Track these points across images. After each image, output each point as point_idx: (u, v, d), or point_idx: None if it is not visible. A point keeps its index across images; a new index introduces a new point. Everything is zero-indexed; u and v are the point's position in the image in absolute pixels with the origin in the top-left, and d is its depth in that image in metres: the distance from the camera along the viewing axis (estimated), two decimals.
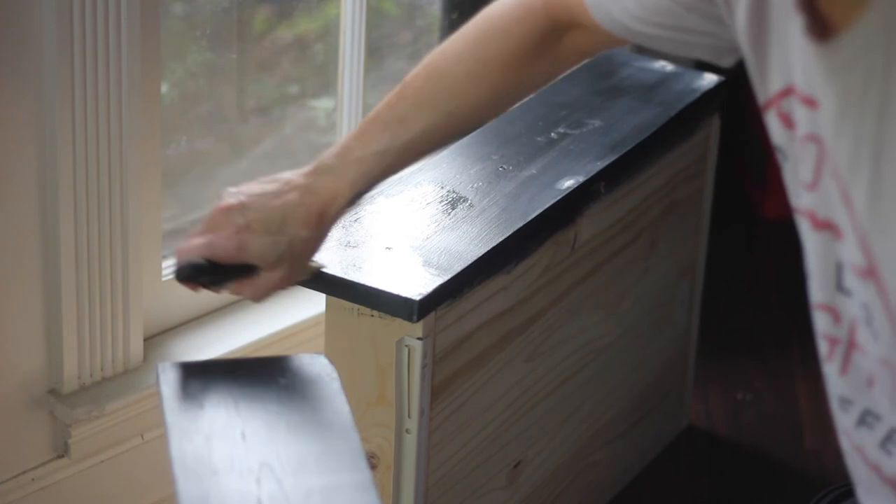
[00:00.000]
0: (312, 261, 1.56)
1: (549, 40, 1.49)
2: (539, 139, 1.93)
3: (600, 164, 1.88)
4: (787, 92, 1.07)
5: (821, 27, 0.98)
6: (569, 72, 2.19)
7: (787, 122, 1.08)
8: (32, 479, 1.86)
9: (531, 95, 1.56)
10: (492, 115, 1.59)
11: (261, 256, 1.46)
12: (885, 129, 0.94)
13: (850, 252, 1.02)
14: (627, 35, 1.38)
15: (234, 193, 1.47)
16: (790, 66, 1.05)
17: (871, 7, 0.93)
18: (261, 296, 1.50)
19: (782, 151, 1.10)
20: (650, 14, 1.31)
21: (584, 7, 1.39)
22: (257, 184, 1.49)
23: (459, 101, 1.51)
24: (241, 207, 1.45)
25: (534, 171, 1.85)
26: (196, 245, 1.46)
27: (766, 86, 1.10)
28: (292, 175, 1.49)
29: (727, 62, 1.30)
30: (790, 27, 1.04)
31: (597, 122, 1.98)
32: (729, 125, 2.28)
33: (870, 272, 0.99)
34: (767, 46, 1.10)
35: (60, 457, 1.88)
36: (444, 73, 1.51)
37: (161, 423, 1.21)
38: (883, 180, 0.95)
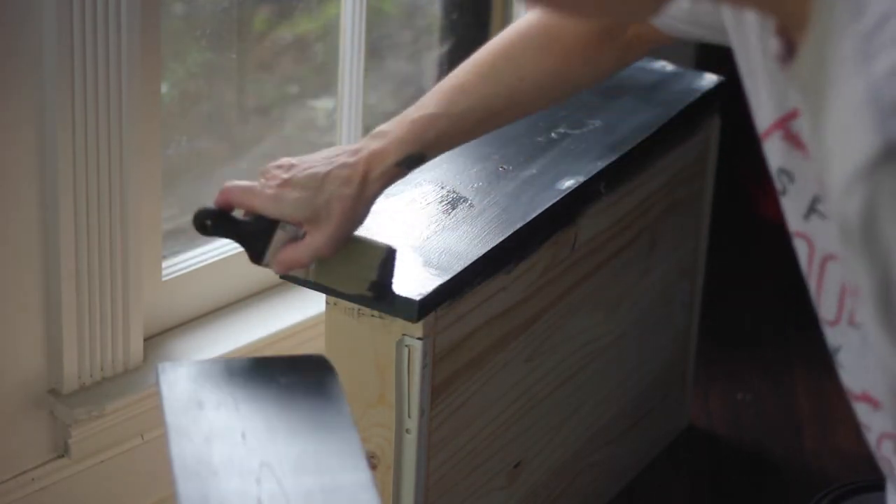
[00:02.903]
0: (379, 241, 1.53)
1: (616, 28, 1.48)
2: (539, 139, 1.93)
3: (600, 164, 1.88)
4: (794, 114, 1.06)
5: (785, 49, 0.98)
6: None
7: (797, 142, 1.08)
8: (32, 479, 1.86)
9: (597, 83, 1.54)
10: (555, 96, 1.55)
11: (295, 210, 1.45)
12: (824, 154, 0.92)
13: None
14: (670, 31, 1.39)
15: (288, 159, 1.48)
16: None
17: (810, 25, 0.92)
18: (304, 259, 1.47)
19: (788, 174, 1.09)
20: (684, 13, 1.33)
21: None
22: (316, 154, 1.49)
23: (523, 74, 1.48)
24: (289, 165, 1.46)
25: (534, 171, 1.85)
26: (236, 188, 1.47)
27: (766, 112, 1.10)
28: (349, 145, 1.49)
29: None
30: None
31: (597, 122, 1.98)
32: (729, 125, 2.28)
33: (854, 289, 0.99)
34: (757, 73, 1.10)
35: (60, 457, 1.88)
36: (512, 44, 1.49)
37: (161, 423, 1.21)
38: (829, 204, 0.94)
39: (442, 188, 1.80)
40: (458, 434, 1.73)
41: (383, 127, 1.49)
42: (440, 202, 1.77)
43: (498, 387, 1.79)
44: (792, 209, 1.10)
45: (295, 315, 2.10)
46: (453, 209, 1.75)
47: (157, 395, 1.26)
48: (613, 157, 1.90)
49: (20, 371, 1.82)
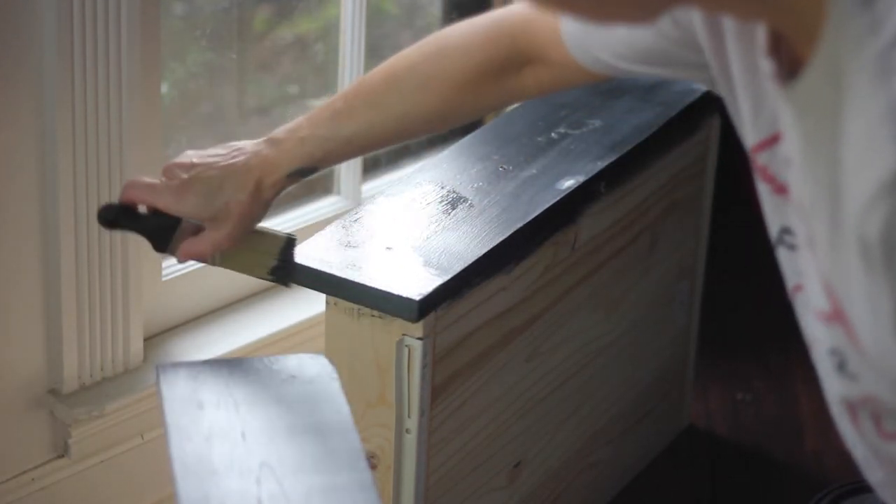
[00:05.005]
0: (279, 231, 1.61)
1: (508, 69, 1.50)
2: (539, 139, 1.93)
3: (600, 164, 1.88)
4: (775, 139, 1.06)
5: (786, 70, 0.97)
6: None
7: (764, 175, 1.08)
8: (32, 479, 1.86)
9: (481, 115, 1.61)
10: (440, 128, 1.62)
11: (196, 210, 1.52)
12: (838, 172, 0.91)
13: (815, 297, 1.01)
14: (607, 71, 1.38)
15: (189, 154, 1.55)
16: (773, 114, 1.04)
17: (822, 41, 0.90)
18: (205, 252, 1.55)
19: (766, 194, 1.10)
20: (638, 53, 1.30)
21: (560, 42, 1.39)
22: (214, 148, 1.57)
23: (408, 109, 1.54)
24: (189, 165, 1.54)
25: (534, 171, 1.85)
26: (139, 184, 1.54)
27: (749, 132, 1.10)
28: (245, 143, 1.56)
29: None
30: (757, 78, 1.04)
31: (597, 122, 1.98)
32: (729, 125, 2.28)
33: (836, 316, 0.98)
34: (738, 92, 1.10)
35: (60, 457, 1.88)
36: (398, 78, 1.55)
37: (161, 423, 1.21)
38: (839, 224, 0.93)
39: (442, 188, 1.80)
40: (458, 434, 1.73)
41: (277, 134, 1.56)
42: (440, 202, 1.77)
43: (498, 387, 1.79)
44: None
45: (295, 315, 2.10)
46: (453, 209, 1.75)
47: (157, 395, 1.26)
48: (613, 157, 1.90)
49: (20, 371, 1.82)
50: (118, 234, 1.83)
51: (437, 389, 1.67)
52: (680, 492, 2.27)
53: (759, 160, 1.09)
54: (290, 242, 1.60)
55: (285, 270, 1.61)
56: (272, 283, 2.12)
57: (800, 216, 1.02)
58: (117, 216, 1.56)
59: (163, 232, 1.56)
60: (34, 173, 1.75)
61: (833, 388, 1.04)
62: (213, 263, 1.60)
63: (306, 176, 1.58)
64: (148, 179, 1.56)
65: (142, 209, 1.56)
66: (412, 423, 1.63)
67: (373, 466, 1.65)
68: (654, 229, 2.11)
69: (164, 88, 1.98)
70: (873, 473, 1.09)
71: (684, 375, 2.35)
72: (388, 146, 1.68)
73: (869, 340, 0.93)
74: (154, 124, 1.88)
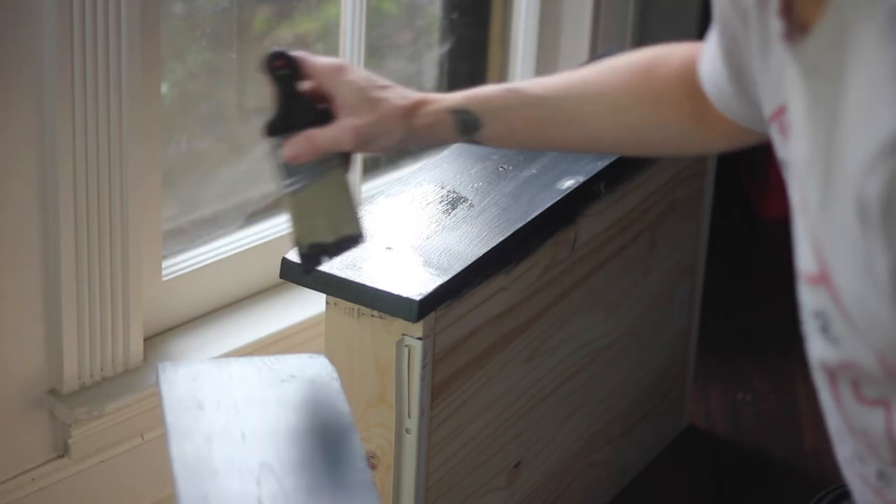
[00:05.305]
0: (362, 223, 1.49)
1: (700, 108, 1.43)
2: None
3: (600, 164, 1.88)
4: (783, 110, 1.06)
5: (795, 28, 0.97)
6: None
7: (785, 133, 1.08)
8: (32, 479, 1.86)
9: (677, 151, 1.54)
10: (622, 147, 1.52)
11: (347, 91, 1.42)
12: (836, 131, 0.92)
13: (804, 260, 1.01)
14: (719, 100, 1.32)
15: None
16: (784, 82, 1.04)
17: (829, 1, 0.91)
18: (320, 142, 1.43)
19: (785, 164, 1.09)
20: (721, 53, 1.25)
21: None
22: None
23: (610, 97, 1.45)
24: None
25: (534, 171, 1.85)
26: (308, 59, 1.45)
27: (767, 102, 1.10)
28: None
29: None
30: (773, 43, 1.04)
31: None
32: None
33: (822, 278, 0.98)
34: (755, 63, 1.09)
35: (60, 457, 1.88)
36: (610, 68, 1.46)
37: (161, 423, 1.21)
38: (832, 184, 0.93)
39: (442, 188, 1.80)
40: (458, 434, 1.73)
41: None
42: (440, 202, 1.77)
43: (498, 387, 1.79)
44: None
45: (295, 315, 2.10)
46: (453, 209, 1.75)
47: (157, 395, 1.26)
48: (613, 157, 1.90)
49: (20, 371, 1.82)
50: (117, 234, 1.83)
51: (437, 389, 1.67)
52: (680, 492, 2.27)
53: (772, 132, 1.09)
54: (355, 238, 1.48)
55: (321, 254, 1.48)
56: (272, 284, 2.14)
57: (795, 180, 1.02)
58: (284, 66, 1.44)
59: (297, 115, 1.44)
60: (34, 174, 1.75)
61: (815, 352, 1.04)
62: (284, 191, 1.47)
63: (469, 128, 1.45)
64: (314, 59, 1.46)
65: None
66: (412, 423, 1.63)
67: (373, 466, 1.65)
68: (654, 229, 2.11)
69: (164, 88, 1.98)
70: (844, 447, 1.09)
71: (684, 375, 2.35)
72: (568, 137, 1.50)
73: (853, 302, 0.93)
74: (154, 124, 1.88)
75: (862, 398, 1.02)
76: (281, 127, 1.45)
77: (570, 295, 1.91)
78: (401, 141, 1.46)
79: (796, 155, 1.00)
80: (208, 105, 2.17)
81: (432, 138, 1.48)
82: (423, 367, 1.62)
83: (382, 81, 1.46)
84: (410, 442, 1.64)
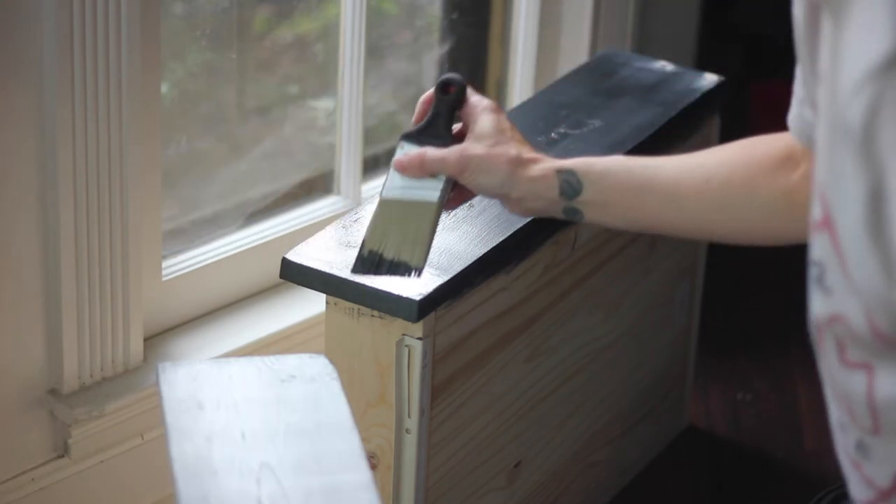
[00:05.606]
0: (426, 257, 1.57)
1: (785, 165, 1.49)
2: (539, 139, 1.92)
3: None
4: None
5: None
6: (569, 72, 2.19)
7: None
8: (32, 479, 1.86)
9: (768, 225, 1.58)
10: (735, 215, 1.57)
11: (488, 125, 1.54)
12: (837, 63, 0.91)
13: (813, 207, 1.01)
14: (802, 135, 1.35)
15: None
16: None
17: None
18: (428, 157, 1.55)
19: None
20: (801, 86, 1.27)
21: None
22: None
23: (711, 174, 1.53)
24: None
25: None
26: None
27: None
28: None
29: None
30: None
31: (597, 122, 1.98)
32: (729, 125, 2.28)
33: (825, 222, 0.98)
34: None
35: (60, 457, 1.88)
36: (721, 149, 1.55)
37: (161, 423, 1.21)
38: (833, 119, 0.93)
39: None
40: (458, 434, 1.74)
41: None
42: None
43: (498, 387, 1.79)
44: None
45: (295, 315, 2.10)
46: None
47: (157, 395, 1.26)
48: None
49: (20, 371, 1.82)
50: (117, 234, 1.83)
51: (437, 389, 1.67)
52: (680, 492, 2.27)
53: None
54: (411, 270, 1.56)
55: (374, 267, 1.57)
56: (272, 284, 2.14)
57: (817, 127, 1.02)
58: (454, 90, 1.58)
59: (438, 137, 1.58)
60: (34, 173, 1.75)
61: (812, 307, 1.04)
62: (382, 194, 1.58)
63: (571, 191, 1.55)
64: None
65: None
66: (412, 423, 1.64)
67: (373, 466, 1.65)
68: None
69: (164, 88, 1.98)
70: (833, 414, 1.09)
71: (684, 375, 2.35)
72: (672, 211, 1.59)
73: (850, 247, 0.93)
74: (154, 124, 1.88)
75: (845, 360, 1.01)
76: (415, 138, 1.59)
77: (570, 295, 1.91)
78: (501, 185, 1.55)
79: (818, 101, 1.00)
80: (208, 105, 2.17)
81: (532, 194, 1.57)
82: (423, 367, 1.62)
83: (519, 135, 1.57)
84: (410, 442, 1.64)
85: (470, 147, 1.55)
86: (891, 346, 0.95)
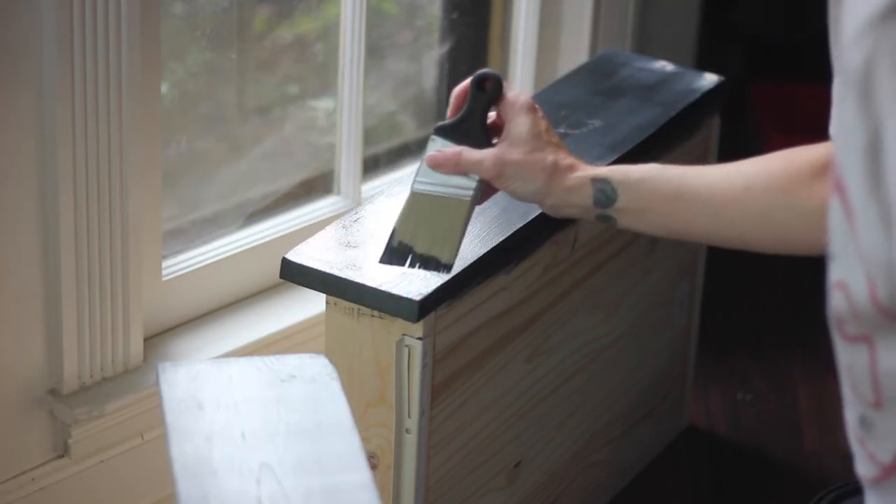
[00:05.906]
0: (454, 255, 1.58)
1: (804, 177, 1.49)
2: None
3: (600, 163, 1.88)
4: None
5: None
6: (569, 72, 2.19)
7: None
8: (32, 479, 1.86)
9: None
10: (768, 224, 1.56)
11: (525, 127, 1.54)
12: (841, 12, 0.92)
13: (833, 170, 1.01)
14: None
15: None
16: None
17: None
18: (463, 157, 1.55)
19: None
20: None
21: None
22: None
23: (751, 182, 1.52)
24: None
25: None
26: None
27: None
28: None
29: None
30: None
31: (597, 122, 1.98)
32: (729, 125, 2.28)
33: (837, 186, 0.98)
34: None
35: (60, 457, 1.88)
36: (754, 161, 1.54)
37: (161, 423, 1.21)
38: (842, 76, 0.93)
39: None
40: (458, 434, 1.74)
41: None
42: None
43: (498, 387, 1.79)
44: None
45: (295, 315, 2.10)
46: None
47: (157, 395, 1.26)
48: (613, 157, 1.90)
49: (20, 371, 1.82)
50: (117, 234, 1.83)
51: (437, 389, 1.67)
52: (680, 492, 2.27)
53: None
54: (441, 266, 1.57)
55: (399, 257, 1.58)
56: (272, 284, 2.14)
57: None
58: (491, 86, 1.57)
59: (471, 137, 1.57)
60: (34, 173, 1.75)
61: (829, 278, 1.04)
62: (413, 188, 1.58)
63: (606, 200, 1.55)
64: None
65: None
66: (412, 423, 1.64)
67: (373, 466, 1.65)
68: None
69: (164, 88, 1.98)
70: (843, 393, 1.09)
71: (684, 375, 2.35)
72: (704, 216, 1.58)
73: (855, 201, 0.93)
74: (154, 124, 1.88)
75: (844, 335, 1.01)
76: (448, 132, 1.58)
77: (570, 295, 1.91)
78: (536, 193, 1.56)
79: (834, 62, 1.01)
80: (208, 105, 2.17)
81: (566, 202, 1.57)
82: (423, 367, 1.62)
83: (556, 137, 1.57)
84: (410, 442, 1.64)
85: (507, 153, 1.55)
86: (891, 318, 0.95)
